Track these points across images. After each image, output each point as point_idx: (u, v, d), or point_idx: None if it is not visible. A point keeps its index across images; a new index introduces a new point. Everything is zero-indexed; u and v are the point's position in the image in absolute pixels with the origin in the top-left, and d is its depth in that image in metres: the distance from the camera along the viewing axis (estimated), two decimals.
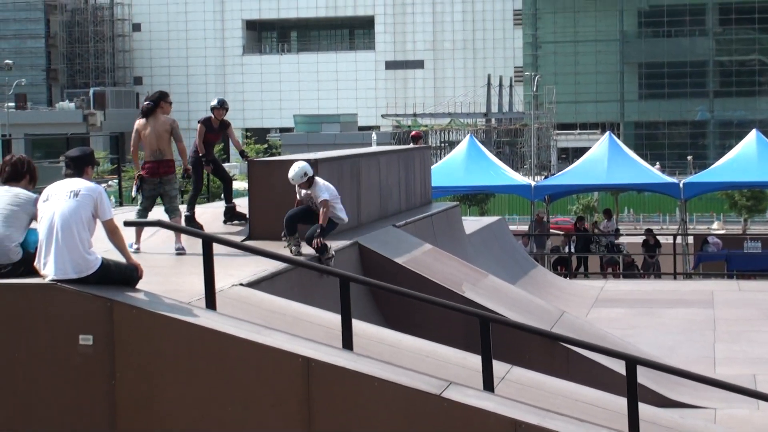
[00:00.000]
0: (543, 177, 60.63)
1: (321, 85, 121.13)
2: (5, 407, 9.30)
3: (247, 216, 14.77)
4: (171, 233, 13.14)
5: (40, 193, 9.62)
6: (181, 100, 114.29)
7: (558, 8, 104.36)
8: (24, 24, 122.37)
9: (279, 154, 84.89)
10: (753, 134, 32.07)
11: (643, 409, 9.85)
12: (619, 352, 10.62)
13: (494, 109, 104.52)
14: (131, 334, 9.14)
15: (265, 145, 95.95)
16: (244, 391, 9.06)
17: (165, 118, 13.50)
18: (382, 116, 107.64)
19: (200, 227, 14.10)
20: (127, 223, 10.51)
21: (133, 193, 13.68)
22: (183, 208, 14.36)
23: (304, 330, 9.99)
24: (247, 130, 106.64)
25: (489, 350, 9.58)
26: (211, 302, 9.75)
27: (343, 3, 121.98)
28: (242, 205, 15.37)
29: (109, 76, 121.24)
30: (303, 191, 13.08)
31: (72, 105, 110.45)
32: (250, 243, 13.33)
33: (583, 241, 31.81)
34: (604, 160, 31.81)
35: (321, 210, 12.83)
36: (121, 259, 9.59)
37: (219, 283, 10.09)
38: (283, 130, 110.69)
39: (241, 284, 11.00)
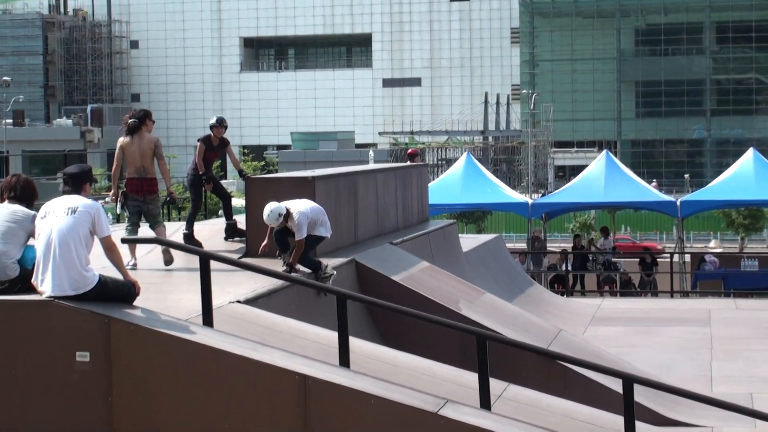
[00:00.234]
0: (540, 195, 60.56)
1: (318, 102, 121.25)
2: (2, 422, 9.29)
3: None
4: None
5: (38, 209, 9.64)
6: (178, 117, 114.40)
7: (555, 27, 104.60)
8: (22, 41, 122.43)
9: (276, 171, 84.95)
10: (750, 153, 32.08)
11: (640, 427, 9.86)
12: (615, 371, 10.62)
13: (491, 126, 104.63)
14: (128, 351, 9.13)
15: (263, 163, 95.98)
16: (241, 409, 9.06)
17: (150, 136, 13.49)
18: (380, 134, 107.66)
19: (199, 245, 14.14)
20: (124, 240, 10.53)
21: (118, 210, 13.69)
22: (179, 225, 14.38)
23: (301, 347, 10.00)
24: (244, 147, 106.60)
25: (486, 368, 9.59)
26: (208, 319, 9.75)
27: (341, 21, 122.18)
28: (241, 221, 15.39)
29: (106, 92, 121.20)
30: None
31: (69, 122, 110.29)
32: (247, 260, 13.33)
33: (580, 259, 31.83)
34: (601, 178, 31.83)
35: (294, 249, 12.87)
36: (119, 276, 9.60)
37: (216, 300, 10.09)
38: (280, 147, 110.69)
39: (239, 301, 11.01)
